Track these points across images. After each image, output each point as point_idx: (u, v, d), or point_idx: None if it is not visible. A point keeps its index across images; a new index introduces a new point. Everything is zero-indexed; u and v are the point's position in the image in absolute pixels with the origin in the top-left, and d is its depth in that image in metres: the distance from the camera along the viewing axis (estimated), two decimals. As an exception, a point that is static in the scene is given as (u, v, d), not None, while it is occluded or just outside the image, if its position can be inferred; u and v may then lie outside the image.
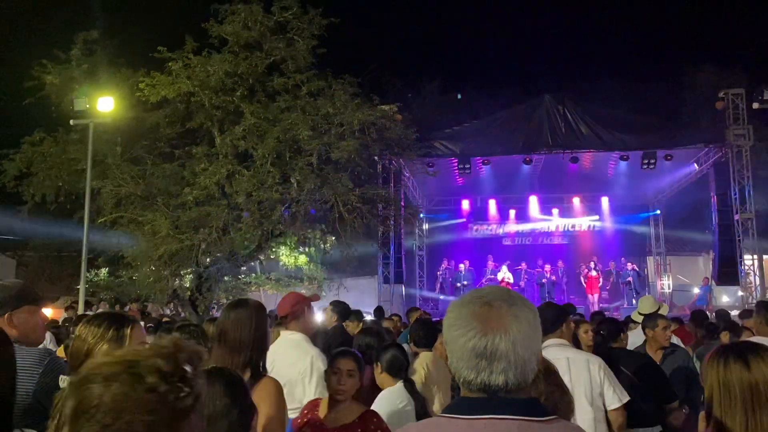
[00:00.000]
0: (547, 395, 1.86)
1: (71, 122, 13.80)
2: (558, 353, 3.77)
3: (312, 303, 4.18)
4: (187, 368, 1.13)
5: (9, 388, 1.83)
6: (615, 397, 3.73)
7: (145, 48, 13.99)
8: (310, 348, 3.93)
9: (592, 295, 20.55)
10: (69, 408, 1.10)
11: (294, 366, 3.78)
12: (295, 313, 3.99)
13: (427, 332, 5.13)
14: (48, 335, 7.56)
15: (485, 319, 1.42)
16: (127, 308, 14.40)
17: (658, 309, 5.97)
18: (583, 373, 3.75)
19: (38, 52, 14.04)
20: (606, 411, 3.77)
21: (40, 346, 2.93)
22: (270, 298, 16.76)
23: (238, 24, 13.44)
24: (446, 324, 1.50)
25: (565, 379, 3.66)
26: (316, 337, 4.74)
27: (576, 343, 5.81)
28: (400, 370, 3.90)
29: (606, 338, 5.17)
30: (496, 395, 1.40)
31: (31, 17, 24.39)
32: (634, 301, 19.16)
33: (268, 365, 3.88)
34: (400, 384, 3.84)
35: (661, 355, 5.28)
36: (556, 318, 3.96)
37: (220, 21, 13.55)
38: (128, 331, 2.47)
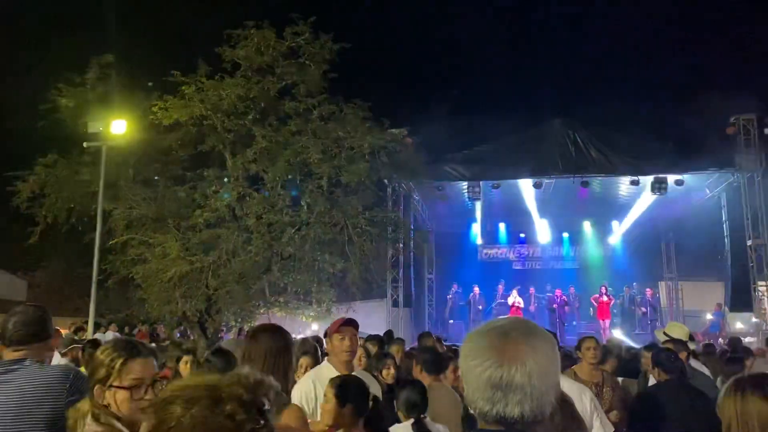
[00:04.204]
0: (564, 427, 1.83)
1: (84, 145, 13.89)
2: None
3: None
4: (266, 401, 1.15)
5: None
6: (601, 429, 3.93)
7: (158, 72, 14.13)
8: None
9: (603, 320, 20.36)
10: (147, 428, 1.10)
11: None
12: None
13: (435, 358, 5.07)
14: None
15: (502, 350, 1.40)
16: (136, 330, 14.40)
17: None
18: (577, 404, 3.84)
19: (53, 76, 14.20)
20: None
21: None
22: (279, 321, 16.70)
23: (251, 49, 13.56)
24: (463, 354, 1.48)
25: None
26: None
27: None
28: (412, 409, 3.86)
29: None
30: (513, 427, 1.38)
31: (47, 41, 24.80)
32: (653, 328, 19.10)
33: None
34: (408, 424, 3.79)
35: None
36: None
37: (233, 45, 13.69)
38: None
